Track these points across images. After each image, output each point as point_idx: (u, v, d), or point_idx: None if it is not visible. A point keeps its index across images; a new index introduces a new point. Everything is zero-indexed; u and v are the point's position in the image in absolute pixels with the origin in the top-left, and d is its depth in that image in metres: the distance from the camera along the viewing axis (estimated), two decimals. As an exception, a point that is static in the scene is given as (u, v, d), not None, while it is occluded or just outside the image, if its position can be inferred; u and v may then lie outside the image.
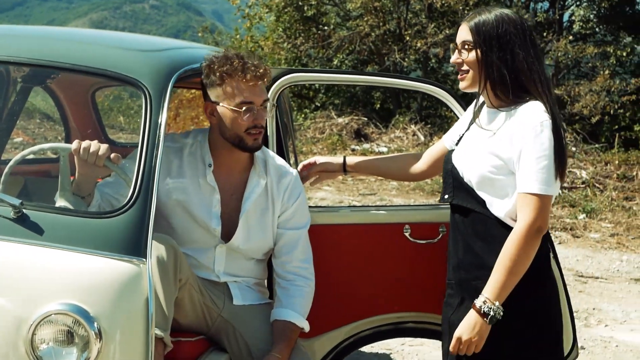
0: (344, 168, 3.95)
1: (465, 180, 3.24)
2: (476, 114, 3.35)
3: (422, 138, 19.40)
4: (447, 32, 20.64)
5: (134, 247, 2.97)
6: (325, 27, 22.68)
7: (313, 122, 20.04)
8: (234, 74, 3.46)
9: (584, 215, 12.10)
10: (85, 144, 3.20)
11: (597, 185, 14.07)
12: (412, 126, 19.93)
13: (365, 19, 21.34)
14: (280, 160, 3.78)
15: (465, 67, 3.21)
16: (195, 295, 3.48)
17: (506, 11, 3.19)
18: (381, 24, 21.49)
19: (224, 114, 3.49)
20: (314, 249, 3.78)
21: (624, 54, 20.79)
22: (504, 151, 3.11)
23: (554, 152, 3.03)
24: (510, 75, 3.12)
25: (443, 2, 20.49)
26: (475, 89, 3.24)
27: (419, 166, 3.77)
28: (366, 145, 18.61)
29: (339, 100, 22.44)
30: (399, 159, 3.99)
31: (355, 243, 3.99)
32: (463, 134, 3.43)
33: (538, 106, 3.09)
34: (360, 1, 21.04)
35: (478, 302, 3.07)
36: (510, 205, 3.13)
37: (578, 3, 22.13)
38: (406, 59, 21.29)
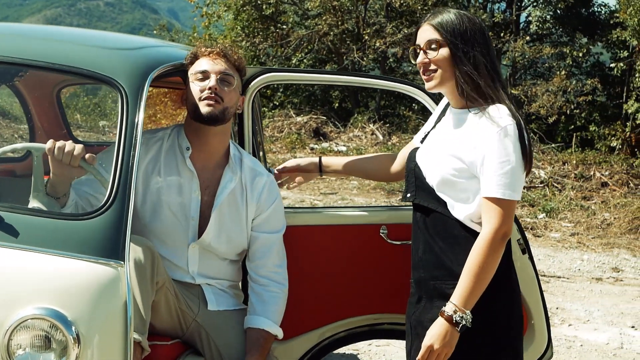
0: (320, 168, 3.91)
1: (426, 180, 3.21)
2: (442, 114, 3.33)
3: (381, 137, 19.44)
4: (406, 31, 20.76)
5: (112, 250, 2.90)
6: (284, 26, 22.66)
7: (272, 121, 20.01)
8: (199, 53, 3.58)
9: (544, 214, 12.20)
10: (59, 143, 3.12)
11: (555, 184, 14.19)
12: (371, 125, 19.98)
13: (324, 18, 21.35)
14: (255, 161, 3.75)
15: (432, 67, 3.14)
16: (171, 298, 3.43)
17: (463, 11, 3.18)
18: (340, 23, 21.51)
19: (189, 88, 3.55)
20: (289, 251, 3.73)
21: (580, 54, 21.04)
22: (467, 155, 3.07)
23: (520, 156, 3.02)
24: (474, 73, 3.09)
25: (402, 2, 20.56)
26: (442, 89, 3.20)
27: (395, 166, 3.74)
28: (325, 144, 18.60)
29: (298, 99, 22.42)
30: (375, 160, 3.94)
31: (331, 244, 3.95)
32: (429, 132, 3.39)
33: (503, 110, 3.06)
34: (319, 0, 21.05)
35: (448, 310, 3.02)
36: (472, 208, 3.10)
37: (535, 4, 22.32)
38: (365, 58, 21.31)
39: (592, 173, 14.79)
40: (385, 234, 3.89)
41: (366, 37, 21.12)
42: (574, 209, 12.65)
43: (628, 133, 19.48)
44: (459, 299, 3.01)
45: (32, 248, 2.88)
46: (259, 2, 21.90)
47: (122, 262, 2.89)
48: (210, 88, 3.48)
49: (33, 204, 3.13)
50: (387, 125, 20.60)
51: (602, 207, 12.95)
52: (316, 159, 3.91)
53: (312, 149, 17.89)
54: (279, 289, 3.67)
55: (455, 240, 3.13)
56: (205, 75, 3.51)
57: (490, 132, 3.01)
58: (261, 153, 4.34)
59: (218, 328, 3.59)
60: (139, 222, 3.52)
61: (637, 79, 19.62)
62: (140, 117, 3.12)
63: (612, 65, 20.51)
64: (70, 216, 3.06)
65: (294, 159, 3.99)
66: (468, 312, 3.00)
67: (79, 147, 3.13)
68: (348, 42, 21.89)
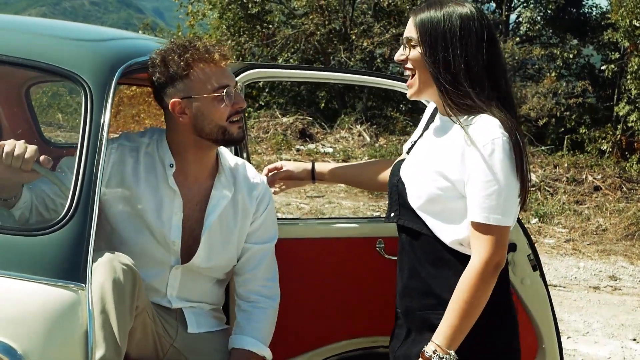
0: (313, 176, 3.51)
1: (409, 199, 2.80)
2: (430, 121, 2.95)
3: (368, 139, 19.11)
4: (394, 31, 20.46)
5: (72, 270, 2.53)
6: (270, 25, 22.29)
7: (257, 122, 19.63)
8: (200, 59, 3.03)
9: (537, 219, 11.86)
10: (8, 147, 2.72)
11: (547, 188, 13.85)
12: (358, 126, 19.65)
13: (311, 17, 21.04)
14: (250, 169, 3.33)
15: (409, 65, 2.77)
16: (149, 323, 2.99)
17: (459, 8, 2.71)
18: (326, 22, 21.19)
19: (202, 107, 3.03)
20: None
21: (570, 56, 20.80)
22: (453, 172, 2.67)
23: (509, 175, 2.60)
24: (456, 79, 2.68)
25: (390, 1, 20.26)
26: (424, 97, 2.83)
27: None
28: (311, 146, 18.26)
29: (284, 100, 22.05)
30: (370, 167, 3.53)
31: (321, 259, 3.58)
32: (415, 142, 2.99)
33: (492, 121, 2.63)
34: (305, -1, 20.76)
35: (428, 350, 2.64)
36: (461, 232, 2.69)
37: (525, 4, 22.07)
38: (352, 59, 20.98)
39: (584, 177, 14.47)
40: (381, 248, 3.52)
41: (353, 37, 20.80)
42: (568, 213, 12.32)
43: (619, 136, 19.19)
44: (442, 338, 2.62)
45: (-24, 268, 2.50)
46: (244, 0, 21.52)
47: (84, 285, 2.51)
48: (241, 107, 3.09)
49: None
50: (374, 126, 20.26)
51: (596, 211, 12.64)
52: (309, 166, 3.52)
53: (298, 150, 17.53)
54: (269, 305, 3.27)
55: (444, 265, 2.74)
56: (228, 90, 3.05)
57: (477, 146, 2.60)
58: (245, 154, 3.96)
59: (198, 352, 3.19)
60: (116, 238, 3.11)
61: (628, 81, 19.33)
62: (107, 117, 2.73)
63: (603, 67, 20.23)
64: (23, 231, 2.66)
65: (284, 162, 3.57)
66: (452, 353, 2.61)
67: (31, 149, 2.73)
68: (335, 42, 21.54)
